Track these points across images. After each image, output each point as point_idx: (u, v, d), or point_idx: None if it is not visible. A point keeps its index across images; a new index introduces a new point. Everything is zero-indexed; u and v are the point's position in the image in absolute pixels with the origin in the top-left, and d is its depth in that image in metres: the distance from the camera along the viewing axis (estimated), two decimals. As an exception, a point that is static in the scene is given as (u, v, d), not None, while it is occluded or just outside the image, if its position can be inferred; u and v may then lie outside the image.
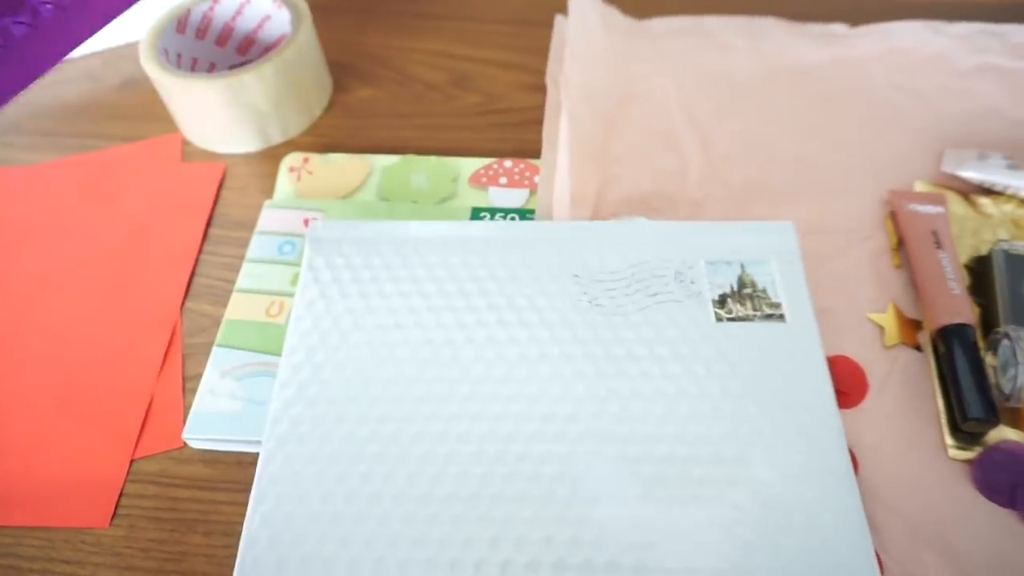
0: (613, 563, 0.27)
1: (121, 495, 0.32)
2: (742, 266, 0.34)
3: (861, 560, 0.26)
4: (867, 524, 0.27)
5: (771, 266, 0.34)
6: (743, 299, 0.33)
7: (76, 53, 0.53)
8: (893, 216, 0.38)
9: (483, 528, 0.28)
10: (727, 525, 0.27)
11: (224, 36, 0.48)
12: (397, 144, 0.45)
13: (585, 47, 0.44)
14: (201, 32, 0.47)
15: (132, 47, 0.52)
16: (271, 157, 0.45)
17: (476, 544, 0.27)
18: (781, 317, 0.32)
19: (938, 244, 0.36)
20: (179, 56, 0.46)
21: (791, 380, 0.31)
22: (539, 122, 0.44)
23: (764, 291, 0.33)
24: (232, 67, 0.49)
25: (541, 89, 0.46)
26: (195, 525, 0.31)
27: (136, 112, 0.49)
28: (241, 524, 0.30)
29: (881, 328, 0.34)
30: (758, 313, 0.32)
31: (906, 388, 0.33)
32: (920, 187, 0.39)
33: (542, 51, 0.48)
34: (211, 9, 0.46)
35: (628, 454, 0.29)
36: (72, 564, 0.30)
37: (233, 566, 0.28)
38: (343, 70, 0.50)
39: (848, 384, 0.32)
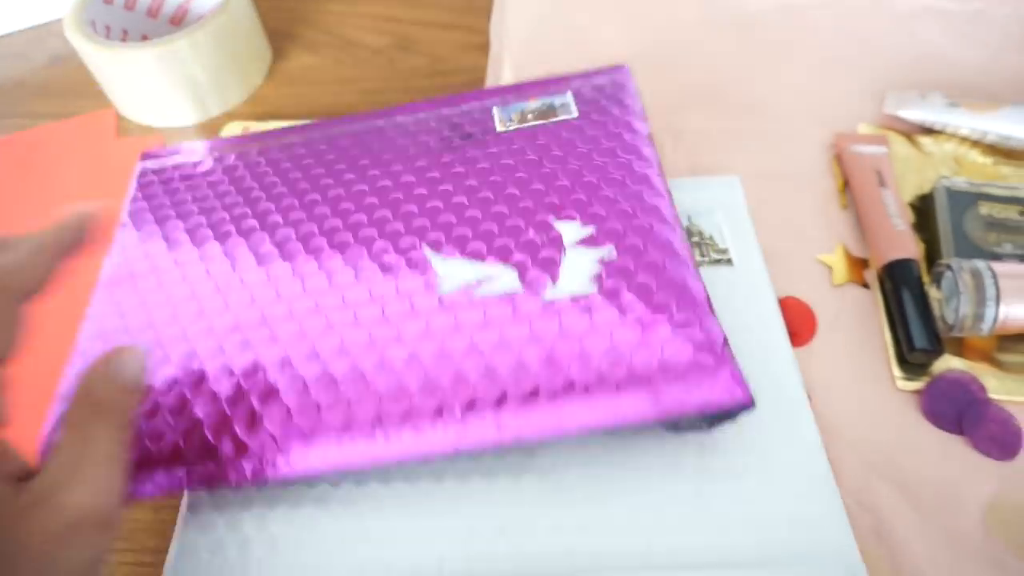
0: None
1: None
2: (689, 218, 0.34)
3: (824, 493, 0.27)
4: (826, 456, 0.28)
5: (717, 216, 0.34)
6: (692, 247, 0.33)
7: (0, 31, 0.50)
8: (839, 158, 0.38)
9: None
10: (680, 465, 0.27)
11: (155, 6, 0.46)
12: (341, 111, 0.43)
13: (529, 2, 0.44)
14: (130, 2, 0.45)
15: (58, 23, 0.50)
16: (210, 129, 0.43)
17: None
18: (729, 261, 0.32)
19: (881, 183, 0.36)
20: (108, 28, 0.44)
21: (741, 320, 0.31)
22: (485, 82, 0.43)
23: (711, 238, 0.33)
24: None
25: (486, 49, 0.45)
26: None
27: (67, 88, 0.47)
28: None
29: (829, 268, 0.35)
30: (706, 259, 0.32)
31: (855, 325, 0.33)
32: (864, 129, 0.40)
33: (485, 11, 0.47)
34: (139, -23, 0.45)
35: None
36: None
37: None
38: (282, 37, 0.48)
39: (799, 324, 0.33)
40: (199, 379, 0.28)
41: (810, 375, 0.31)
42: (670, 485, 0.27)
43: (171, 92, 0.42)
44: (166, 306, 0.30)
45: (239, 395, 0.27)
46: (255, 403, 0.27)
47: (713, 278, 0.32)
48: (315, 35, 0.48)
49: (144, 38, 0.46)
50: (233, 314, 0.29)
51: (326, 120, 0.38)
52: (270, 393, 0.27)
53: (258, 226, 0.32)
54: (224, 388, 0.27)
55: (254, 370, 0.28)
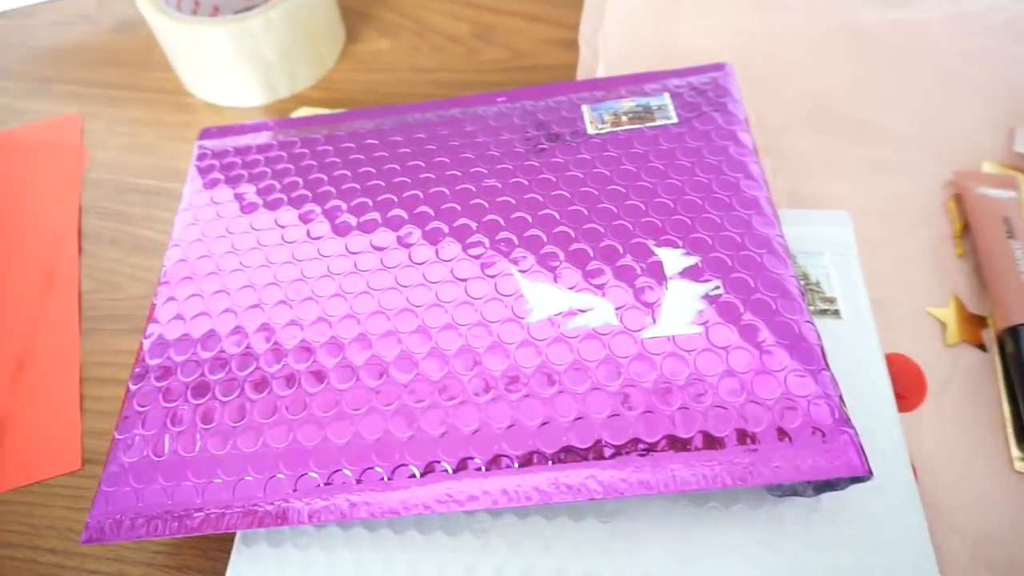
0: (647, 579, 0.24)
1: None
2: (793, 258, 0.31)
3: (922, 586, 0.24)
4: (930, 541, 0.25)
5: (825, 258, 0.31)
6: (794, 288, 0.30)
7: (69, -9, 0.49)
8: (958, 199, 0.35)
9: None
10: (775, 542, 0.25)
11: (228, -24, 0.44)
12: (415, 101, 0.41)
13: (625, 4, 0.40)
14: (203, -29, 0.43)
15: (129, -14, 0.48)
16: (278, 112, 0.41)
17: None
18: (836, 313, 0.29)
19: (1010, 233, 0.32)
20: (179, -2, 0.42)
21: (847, 381, 0.28)
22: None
23: (818, 284, 0.30)
24: (238, 11, 0.45)
25: (573, 45, 0.42)
26: (191, 515, 0.29)
27: (132, 58, 0.45)
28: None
29: (942, 324, 0.31)
30: (812, 308, 0.29)
31: (968, 392, 0.30)
32: (988, 168, 0.36)
33: (574, 3, 0.44)
34: (214, -54, 0.43)
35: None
36: (58, 554, 0.28)
37: (227, 561, 0.25)
38: (357, 18, 0.46)
39: (906, 385, 0.30)
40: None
41: (915, 445, 0.28)
42: (753, 555, 0.25)
43: (240, 71, 0.40)
44: (225, 300, 0.29)
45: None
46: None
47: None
48: (391, 17, 0.46)
49: (215, 10, 0.44)
50: (297, 328, 0.27)
51: (398, 106, 0.35)
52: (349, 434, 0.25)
53: (329, 228, 0.30)
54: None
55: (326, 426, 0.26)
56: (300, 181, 0.32)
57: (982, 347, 0.31)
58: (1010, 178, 0.35)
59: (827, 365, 0.24)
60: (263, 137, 0.35)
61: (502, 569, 0.25)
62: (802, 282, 0.30)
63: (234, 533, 0.28)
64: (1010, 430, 0.29)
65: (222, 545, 0.28)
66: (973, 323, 0.31)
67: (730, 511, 0.25)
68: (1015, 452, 0.28)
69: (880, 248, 0.33)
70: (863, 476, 0.23)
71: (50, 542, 0.28)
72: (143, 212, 0.38)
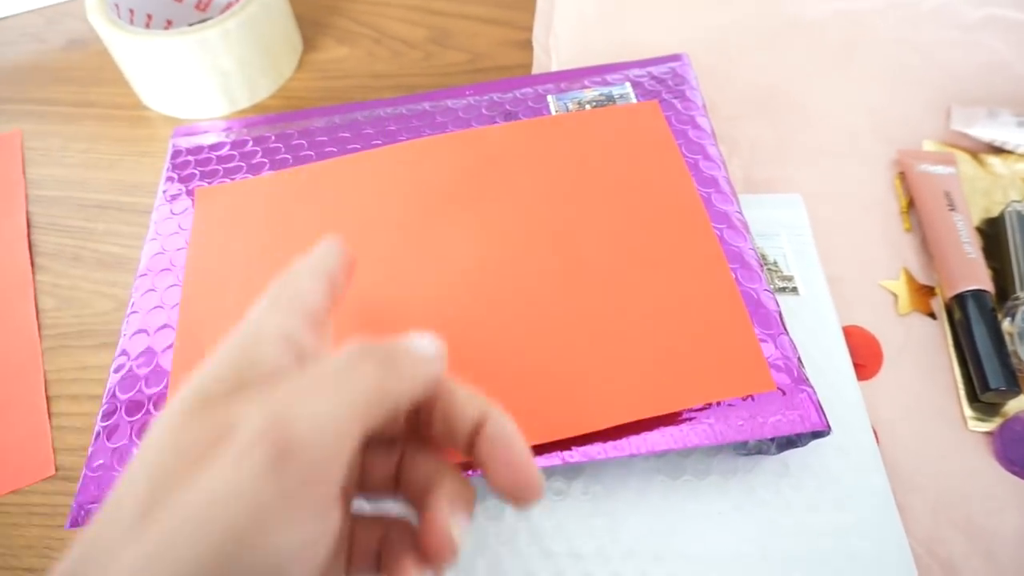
0: (631, 551, 0.25)
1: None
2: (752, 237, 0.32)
3: (892, 540, 0.25)
4: (894, 500, 0.26)
5: (781, 239, 0.32)
6: (754, 268, 0.31)
7: (13, 11, 0.48)
8: (903, 177, 0.36)
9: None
10: (748, 508, 0.26)
11: (181, -10, 0.44)
12: (375, 107, 0.41)
13: (574, 6, 0.41)
14: (155, -15, 0.43)
15: (77, 3, 0.48)
16: (238, 122, 0.41)
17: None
18: (794, 290, 0.31)
19: (951, 206, 0.34)
20: (131, 11, 0.42)
21: (808, 354, 0.29)
22: (528, 81, 0.41)
23: (776, 264, 0.31)
24: (191, 24, 0.45)
25: (529, 46, 0.43)
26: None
27: (86, 75, 0.45)
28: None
29: (894, 295, 0.33)
30: (771, 286, 0.31)
31: (921, 358, 0.31)
32: (929, 146, 0.38)
33: (527, 5, 0.45)
34: (165, -41, 0.42)
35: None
36: (36, 572, 0.28)
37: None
38: (314, 27, 0.46)
39: (864, 355, 0.31)
40: None
41: (875, 411, 0.30)
42: (729, 522, 0.26)
43: (199, 83, 0.40)
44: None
45: None
46: None
47: (777, 306, 0.30)
48: (348, 25, 0.46)
49: (168, 23, 0.44)
50: None
51: (370, 102, 0.36)
52: None
53: None
54: None
55: None
56: None
57: (932, 315, 0.32)
58: (949, 155, 0.36)
59: (785, 330, 0.26)
60: (235, 134, 0.35)
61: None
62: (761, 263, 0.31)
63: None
64: (962, 392, 0.30)
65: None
66: (923, 293, 0.33)
67: (704, 482, 0.26)
68: (967, 412, 0.30)
69: (833, 227, 0.35)
70: (822, 431, 0.24)
71: (27, 561, 0.28)
72: (105, 227, 0.37)
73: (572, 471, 0.27)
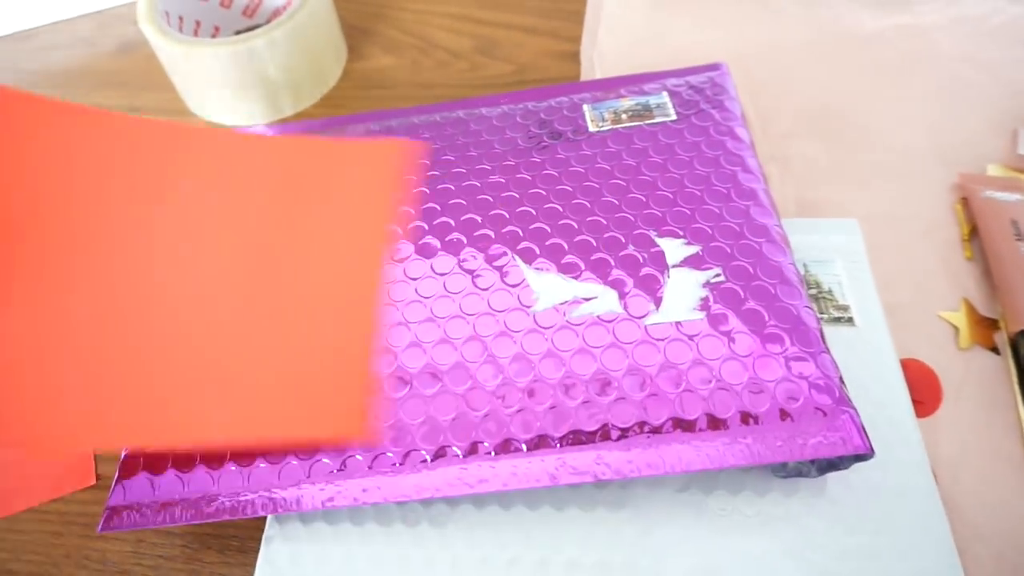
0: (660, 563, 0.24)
1: (127, 505, 0.29)
2: (805, 266, 0.31)
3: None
4: (955, 548, 0.25)
5: (836, 266, 0.31)
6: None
7: (67, 15, 0.49)
8: (965, 203, 0.35)
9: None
10: (799, 551, 0.25)
11: (229, -3, 0.44)
12: (419, 117, 0.41)
13: (622, 17, 0.41)
14: (204, -8, 0.43)
15: (129, 7, 0.49)
16: (282, 131, 0.41)
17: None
18: (850, 320, 0.29)
19: (1018, 235, 0.32)
20: (180, 18, 0.42)
21: (865, 390, 0.28)
22: (574, 95, 0.40)
23: (830, 292, 0.30)
24: (238, 31, 0.45)
25: (574, 57, 0.42)
26: (208, 541, 0.28)
27: (135, 79, 0.45)
28: (259, 542, 0.27)
29: (954, 328, 0.32)
30: (825, 316, 0.29)
31: (983, 395, 0.30)
32: (993, 171, 0.36)
33: (575, 15, 0.44)
34: (215, -34, 0.43)
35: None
36: (76, 582, 0.28)
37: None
38: (359, 35, 0.46)
39: (921, 391, 0.30)
40: None
41: (933, 450, 0.28)
42: (775, 560, 0.25)
43: (244, 92, 0.40)
44: None
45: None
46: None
47: (832, 338, 0.29)
48: (393, 34, 0.46)
49: (216, 29, 0.44)
50: None
51: (403, 109, 0.36)
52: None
53: None
54: None
55: None
56: None
57: (995, 350, 0.31)
58: (1015, 180, 0.35)
59: (827, 348, 0.25)
60: None
61: (516, 561, 0.25)
62: (813, 290, 0.30)
63: (253, 536, 0.28)
64: (1027, 433, 0.29)
65: (244, 571, 0.28)
66: (985, 326, 0.32)
67: (749, 522, 0.25)
68: (1033, 455, 0.28)
69: (889, 253, 0.34)
70: (865, 454, 0.23)
71: (66, 571, 0.28)
72: (150, 234, 0.38)
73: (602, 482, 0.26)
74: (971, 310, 0.32)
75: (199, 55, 0.38)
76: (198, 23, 0.43)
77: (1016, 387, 0.30)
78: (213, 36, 0.44)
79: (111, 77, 0.45)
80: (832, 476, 0.26)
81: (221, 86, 0.40)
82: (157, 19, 0.40)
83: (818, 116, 0.39)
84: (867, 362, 0.28)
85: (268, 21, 0.45)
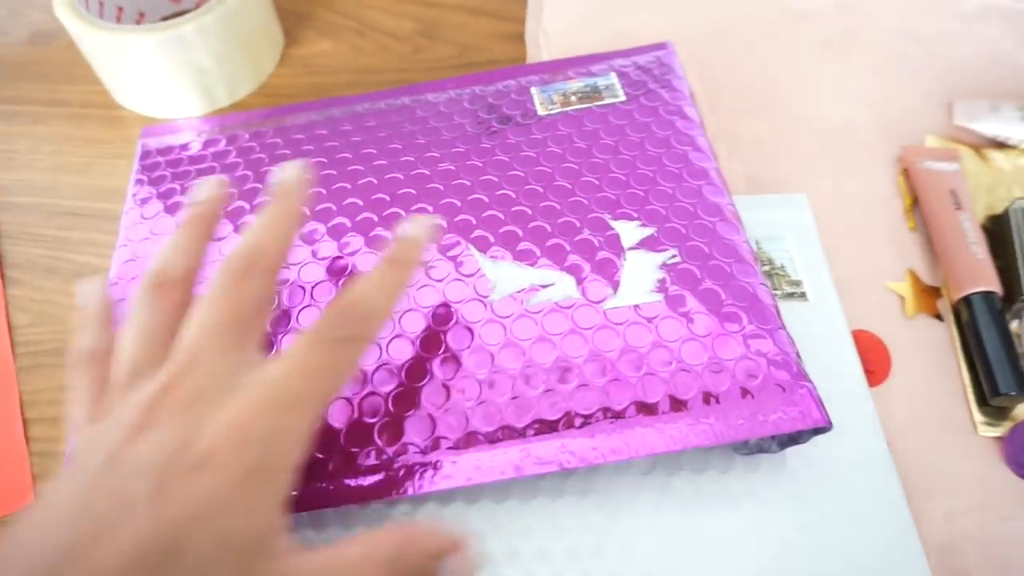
0: (644, 572, 0.24)
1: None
2: (757, 243, 0.31)
3: (910, 551, 0.25)
4: (910, 512, 0.26)
5: (788, 242, 0.31)
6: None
7: (-24, 1, 0.45)
8: (906, 174, 0.36)
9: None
10: (763, 526, 0.25)
11: (153, -20, 0.42)
12: (362, 104, 0.40)
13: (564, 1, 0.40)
14: (125, -25, 0.41)
15: (43, -6, 0.45)
16: (218, 122, 0.39)
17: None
18: (803, 295, 0.30)
19: (957, 205, 0.33)
20: (101, 4, 0.39)
21: (819, 362, 0.28)
22: (520, 76, 0.39)
23: (783, 268, 0.31)
24: (165, 17, 0.43)
25: (518, 39, 0.42)
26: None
27: (53, 71, 0.42)
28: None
29: (900, 297, 0.32)
30: (779, 292, 0.30)
31: (930, 362, 0.31)
32: (932, 142, 0.37)
33: (518, -5, 0.43)
34: (135, -52, 0.40)
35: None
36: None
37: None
38: (295, 19, 0.44)
39: (873, 361, 0.30)
40: None
41: (886, 419, 0.29)
42: (742, 537, 0.25)
43: (175, 81, 0.38)
44: None
45: None
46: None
47: (786, 313, 0.29)
48: (331, 17, 0.44)
49: (141, 16, 0.42)
50: None
51: (346, 97, 0.35)
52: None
53: None
54: None
55: None
56: (250, 175, 0.32)
57: (939, 317, 0.32)
58: (953, 151, 0.36)
59: (783, 324, 0.26)
60: (208, 133, 0.34)
61: (486, 554, 0.25)
62: (765, 267, 0.31)
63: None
64: (971, 396, 0.30)
65: None
66: (928, 294, 0.32)
67: (706, 498, 0.26)
68: (977, 417, 0.29)
69: (837, 227, 0.34)
70: (823, 427, 0.24)
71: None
72: (80, 236, 0.36)
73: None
74: (915, 280, 0.33)
75: (124, 43, 0.36)
76: (120, 9, 0.41)
77: (960, 353, 0.31)
78: (138, 23, 0.42)
79: (28, 69, 0.42)
80: (791, 450, 0.26)
81: (149, 77, 0.37)
82: (75, 4, 0.37)
83: (764, 92, 0.39)
84: (820, 335, 0.29)
85: (197, 6, 0.43)
